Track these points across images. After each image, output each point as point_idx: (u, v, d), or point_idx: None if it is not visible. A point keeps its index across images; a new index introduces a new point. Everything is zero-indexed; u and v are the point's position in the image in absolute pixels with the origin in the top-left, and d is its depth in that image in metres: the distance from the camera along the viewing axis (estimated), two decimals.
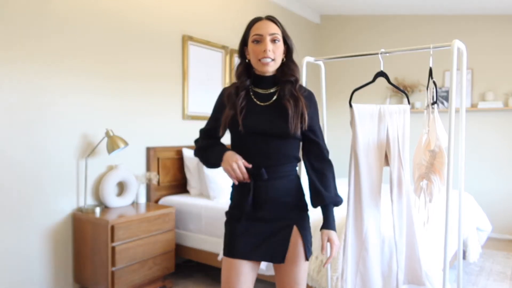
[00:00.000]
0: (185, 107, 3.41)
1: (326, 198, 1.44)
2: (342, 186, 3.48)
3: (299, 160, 1.51)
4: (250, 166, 1.40)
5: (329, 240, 1.45)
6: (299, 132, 1.42)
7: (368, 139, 1.82)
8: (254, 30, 1.41)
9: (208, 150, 1.52)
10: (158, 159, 3.14)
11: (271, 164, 1.41)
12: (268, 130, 1.40)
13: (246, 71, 1.48)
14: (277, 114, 1.41)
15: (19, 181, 2.35)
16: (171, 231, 2.78)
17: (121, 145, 2.61)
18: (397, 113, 1.86)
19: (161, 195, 3.18)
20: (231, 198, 1.52)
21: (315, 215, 2.60)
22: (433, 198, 1.83)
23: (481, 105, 4.14)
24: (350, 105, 1.82)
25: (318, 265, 2.34)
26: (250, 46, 1.43)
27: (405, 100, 4.56)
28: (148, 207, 2.84)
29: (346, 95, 4.01)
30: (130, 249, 2.48)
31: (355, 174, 1.82)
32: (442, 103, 4.31)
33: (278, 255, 1.42)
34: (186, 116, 3.42)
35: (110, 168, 2.82)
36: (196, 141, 1.60)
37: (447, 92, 4.32)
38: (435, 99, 1.79)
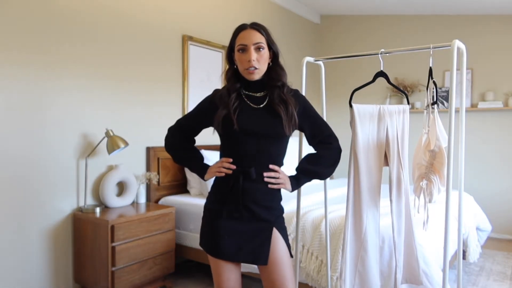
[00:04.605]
0: (185, 107, 3.41)
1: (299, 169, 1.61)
2: (341, 186, 3.49)
3: (281, 166, 1.58)
4: (234, 167, 1.47)
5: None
6: (291, 133, 1.51)
7: (368, 139, 1.82)
8: (239, 40, 1.47)
9: (185, 158, 1.65)
10: (158, 159, 3.14)
11: (260, 166, 1.47)
12: (262, 131, 1.46)
13: (235, 75, 1.53)
14: (271, 116, 1.47)
15: (19, 181, 2.35)
16: (171, 231, 2.78)
17: (121, 145, 2.61)
18: (397, 113, 1.86)
19: (161, 195, 3.18)
20: (214, 193, 1.55)
21: (311, 216, 2.60)
22: (432, 198, 1.83)
23: (481, 105, 4.14)
24: (350, 105, 1.82)
25: (318, 265, 2.34)
26: (236, 55, 1.48)
27: (405, 100, 4.56)
28: (148, 207, 2.84)
29: (346, 95, 4.01)
30: (130, 249, 2.48)
31: (355, 174, 1.82)
32: (442, 103, 4.31)
33: (260, 257, 1.45)
34: None
35: (110, 168, 2.82)
36: (170, 133, 1.66)
37: (447, 92, 4.32)
38: (435, 99, 1.79)
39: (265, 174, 1.47)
